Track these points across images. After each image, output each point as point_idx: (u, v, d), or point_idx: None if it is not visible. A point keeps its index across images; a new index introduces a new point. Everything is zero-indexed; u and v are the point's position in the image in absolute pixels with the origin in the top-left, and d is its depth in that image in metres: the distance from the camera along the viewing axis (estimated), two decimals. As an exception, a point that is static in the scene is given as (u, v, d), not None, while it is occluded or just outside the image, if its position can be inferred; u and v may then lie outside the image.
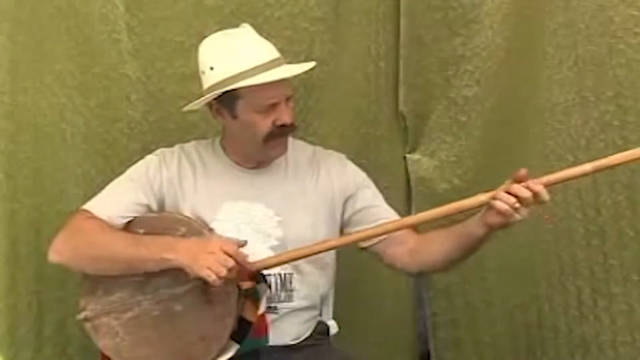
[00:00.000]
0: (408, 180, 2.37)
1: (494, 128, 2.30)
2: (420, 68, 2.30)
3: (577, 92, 2.17)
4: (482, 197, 1.66)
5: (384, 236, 1.85)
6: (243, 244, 1.68)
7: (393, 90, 2.33)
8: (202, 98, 1.82)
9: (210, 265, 1.61)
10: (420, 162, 2.35)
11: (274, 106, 1.79)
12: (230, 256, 1.63)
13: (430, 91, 2.31)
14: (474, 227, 1.71)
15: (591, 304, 2.25)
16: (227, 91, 1.77)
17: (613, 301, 2.22)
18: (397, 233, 1.84)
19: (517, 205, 1.61)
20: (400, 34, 2.28)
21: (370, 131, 2.35)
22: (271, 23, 2.19)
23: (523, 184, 1.62)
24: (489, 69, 2.25)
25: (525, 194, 1.61)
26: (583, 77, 2.16)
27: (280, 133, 1.81)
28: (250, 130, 1.81)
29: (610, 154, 1.67)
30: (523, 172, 1.64)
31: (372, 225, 1.85)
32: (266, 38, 1.86)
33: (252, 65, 1.76)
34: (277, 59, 1.81)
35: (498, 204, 1.62)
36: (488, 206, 1.66)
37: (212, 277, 1.61)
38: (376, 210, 1.91)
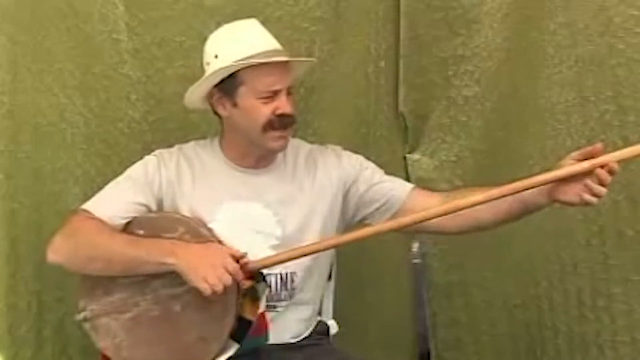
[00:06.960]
0: (408, 180, 2.36)
1: (494, 128, 2.30)
2: (420, 68, 2.30)
3: (577, 92, 2.17)
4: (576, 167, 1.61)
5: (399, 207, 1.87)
6: (244, 256, 1.67)
7: (393, 90, 2.33)
8: (205, 76, 1.82)
9: (208, 279, 1.61)
10: (420, 162, 2.36)
11: (275, 95, 1.79)
12: (230, 274, 1.62)
13: (430, 91, 2.31)
14: (535, 196, 1.69)
15: (591, 304, 2.25)
16: (229, 77, 1.78)
17: (613, 301, 2.22)
18: (419, 202, 1.85)
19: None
20: (400, 34, 2.28)
21: (370, 131, 2.35)
22: (271, 23, 2.18)
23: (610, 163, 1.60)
24: (489, 69, 2.25)
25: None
26: (583, 77, 2.16)
27: (280, 124, 1.80)
28: (250, 117, 1.80)
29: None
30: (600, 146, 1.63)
31: (382, 201, 1.88)
32: (266, 38, 1.87)
33: (257, 52, 1.78)
34: (281, 50, 1.84)
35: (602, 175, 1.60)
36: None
37: (208, 291, 1.61)
38: (379, 187, 1.91)
